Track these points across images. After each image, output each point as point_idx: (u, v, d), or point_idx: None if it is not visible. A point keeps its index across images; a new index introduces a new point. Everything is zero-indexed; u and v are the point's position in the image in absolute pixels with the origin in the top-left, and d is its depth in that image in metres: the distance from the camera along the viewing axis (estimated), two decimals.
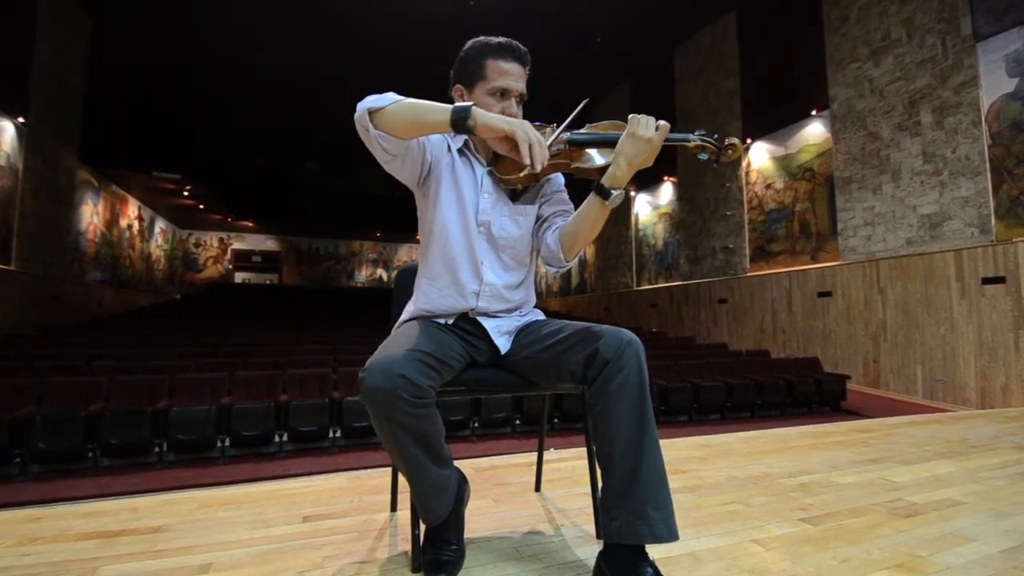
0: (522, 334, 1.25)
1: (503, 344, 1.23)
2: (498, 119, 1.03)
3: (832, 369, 6.80)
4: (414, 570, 1.11)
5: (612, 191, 1.12)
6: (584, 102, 1.21)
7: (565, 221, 1.26)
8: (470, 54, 1.21)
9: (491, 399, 4.80)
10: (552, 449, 2.28)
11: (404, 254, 22.01)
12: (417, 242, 1.32)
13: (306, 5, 8.78)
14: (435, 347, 1.08)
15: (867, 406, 5.84)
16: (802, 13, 7.83)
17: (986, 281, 5.45)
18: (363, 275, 21.75)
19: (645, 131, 1.08)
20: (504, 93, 1.19)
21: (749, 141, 8.78)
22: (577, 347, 1.11)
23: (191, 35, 9.54)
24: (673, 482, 1.09)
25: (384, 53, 10.15)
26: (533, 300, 1.36)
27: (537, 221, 1.31)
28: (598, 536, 1.22)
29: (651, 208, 11.49)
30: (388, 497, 1.52)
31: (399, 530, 1.35)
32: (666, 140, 1.12)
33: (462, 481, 1.21)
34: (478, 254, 1.21)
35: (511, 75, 1.19)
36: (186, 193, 13.55)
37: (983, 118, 5.58)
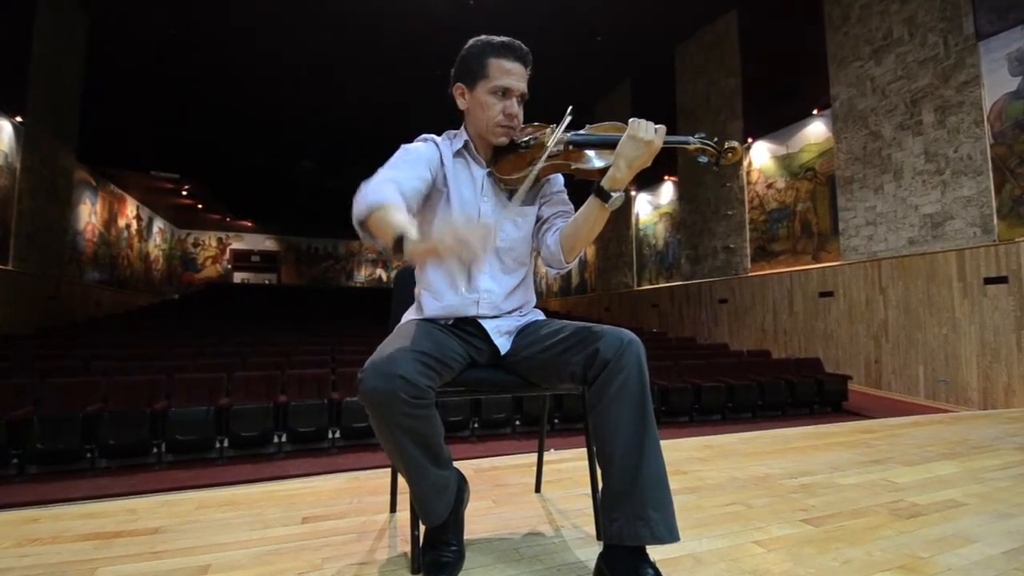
0: (522, 334, 1.25)
1: (503, 344, 1.22)
2: (419, 248, 0.92)
3: (834, 370, 6.78)
4: (413, 571, 1.11)
5: (612, 193, 1.12)
6: (569, 111, 1.19)
7: (565, 222, 1.26)
8: (471, 53, 1.21)
9: (491, 400, 4.79)
10: (552, 450, 2.28)
11: None
12: None
13: (306, 5, 8.78)
14: (434, 347, 1.08)
15: (869, 407, 5.82)
16: (803, 12, 7.82)
17: (988, 281, 5.44)
18: (362, 275, 21.76)
19: (645, 134, 1.08)
20: (505, 92, 1.19)
21: (750, 140, 8.76)
22: (577, 347, 1.10)
23: (190, 34, 9.54)
24: (674, 483, 1.08)
25: (384, 53, 10.14)
26: (533, 300, 1.35)
27: (537, 222, 1.31)
28: (598, 537, 1.21)
29: (652, 208, 11.47)
30: (387, 498, 1.52)
31: (398, 531, 1.34)
32: (666, 142, 1.13)
33: (462, 482, 1.20)
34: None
35: (513, 74, 1.19)
36: (184, 192, 13.57)
37: (985, 117, 5.56)
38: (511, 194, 1.25)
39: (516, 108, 1.21)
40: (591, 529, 1.32)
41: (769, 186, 8.44)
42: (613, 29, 9.71)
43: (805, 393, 5.90)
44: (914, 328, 6.15)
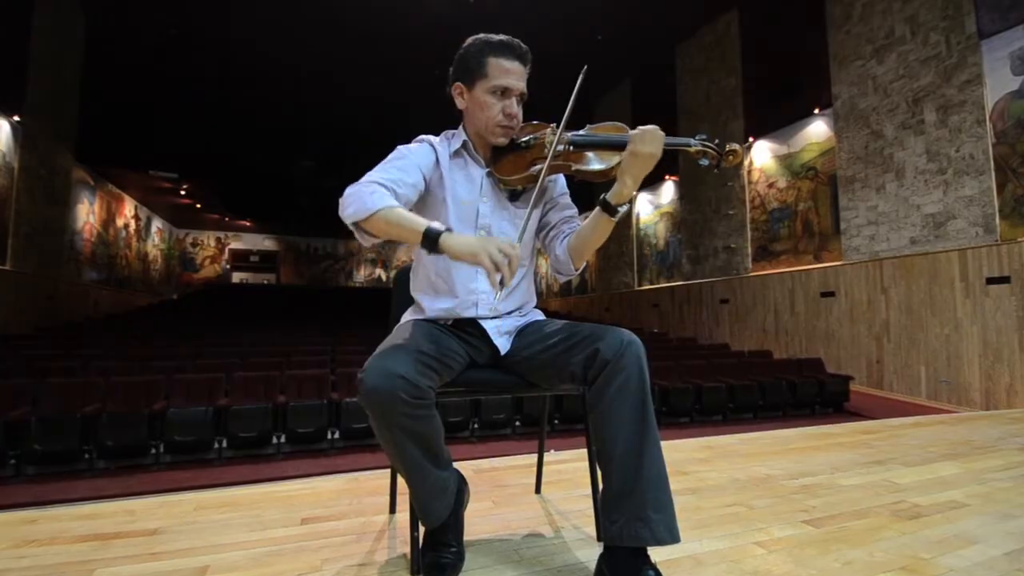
0: (522, 334, 1.24)
1: (503, 344, 1.22)
2: (464, 247, 0.96)
3: (835, 370, 6.77)
4: (413, 573, 1.10)
5: (619, 208, 1.14)
6: (583, 72, 1.17)
7: (572, 228, 1.28)
8: (470, 52, 1.20)
9: (491, 400, 4.78)
10: (552, 451, 2.27)
11: (403, 253, 22.00)
12: None
13: (305, 4, 8.78)
14: (434, 347, 1.08)
15: (870, 407, 5.81)
16: (804, 11, 7.80)
17: (990, 281, 5.42)
18: (362, 275, 21.75)
19: (647, 146, 1.09)
20: (505, 92, 1.18)
21: (751, 140, 8.75)
22: (577, 348, 1.10)
23: (189, 33, 9.53)
24: (674, 484, 1.08)
25: (384, 53, 10.14)
26: (533, 300, 1.35)
27: (543, 228, 1.31)
28: (599, 538, 1.21)
29: (652, 207, 11.46)
30: (387, 499, 1.51)
31: (398, 532, 1.34)
32: (667, 146, 1.12)
33: (461, 483, 1.20)
34: None
35: (512, 73, 1.18)
36: (183, 192, 13.56)
37: (987, 116, 5.54)
38: (511, 194, 1.25)
39: (515, 108, 1.20)
40: (591, 530, 1.31)
41: (770, 185, 8.42)
42: (614, 28, 9.70)
43: (806, 394, 5.89)
44: (916, 328, 6.13)
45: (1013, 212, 5.32)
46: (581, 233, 1.23)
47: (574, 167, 1.19)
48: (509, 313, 1.26)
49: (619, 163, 1.13)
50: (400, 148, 1.21)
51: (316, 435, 4.43)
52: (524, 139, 1.23)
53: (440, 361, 1.07)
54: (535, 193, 1.14)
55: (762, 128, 8.59)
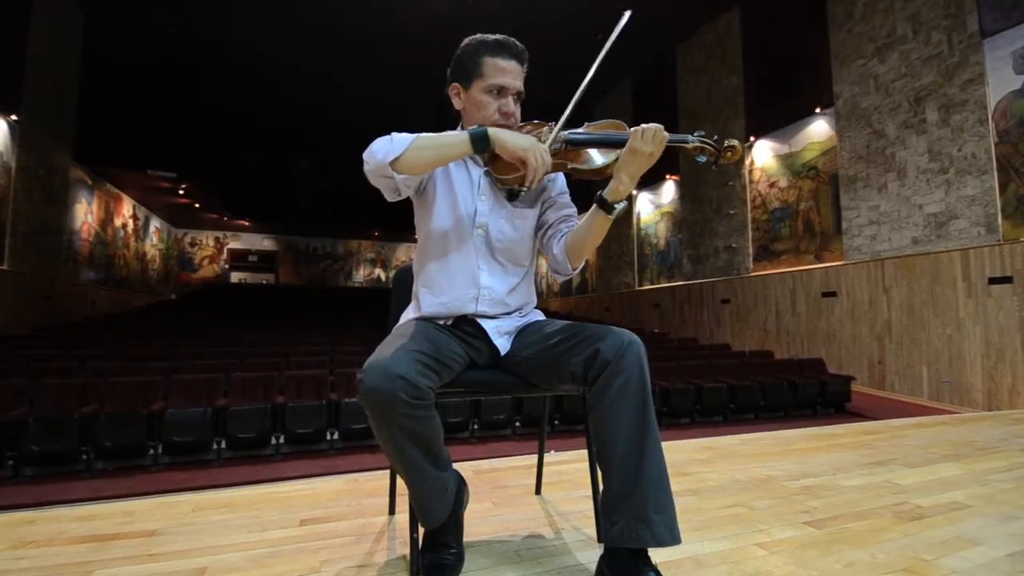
0: (522, 335, 1.24)
1: (503, 345, 1.22)
2: (515, 143, 1.07)
3: (837, 370, 6.76)
4: (413, 574, 1.09)
5: (615, 205, 1.14)
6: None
7: (569, 227, 1.27)
8: (467, 52, 1.20)
9: (491, 401, 4.77)
10: (553, 451, 2.27)
11: (403, 253, 22.00)
12: (416, 241, 1.32)
13: (305, 3, 8.78)
14: (434, 348, 1.07)
15: (872, 408, 5.80)
16: (806, 9, 7.79)
17: (993, 281, 5.41)
18: (361, 275, 21.72)
19: (647, 145, 1.08)
20: (501, 90, 1.18)
21: (752, 139, 8.74)
22: (578, 348, 1.09)
23: (187, 32, 9.53)
24: (675, 485, 1.07)
25: (383, 52, 10.14)
26: (534, 300, 1.35)
27: (541, 226, 1.30)
28: (599, 539, 1.20)
29: (653, 207, 11.45)
30: (386, 500, 1.51)
31: (397, 533, 1.33)
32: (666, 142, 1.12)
33: (461, 484, 1.20)
34: (475, 258, 1.21)
35: (508, 73, 1.18)
36: (181, 192, 13.53)
37: (990, 116, 5.53)
38: (508, 193, 1.25)
39: (512, 106, 1.20)
40: (592, 531, 1.31)
41: (771, 185, 8.41)
42: (614, 27, 9.69)
43: (808, 394, 5.88)
44: (918, 328, 6.12)
45: (1015, 212, 5.30)
46: (578, 232, 1.23)
47: (571, 165, 1.18)
48: (509, 313, 1.26)
49: (616, 160, 1.13)
50: None
51: (315, 436, 4.42)
52: None
53: (440, 361, 1.06)
54: (532, 187, 1.13)
55: (763, 127, 8.58)
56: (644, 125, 1.09)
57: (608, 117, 1.24)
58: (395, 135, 1.09)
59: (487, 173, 1.24)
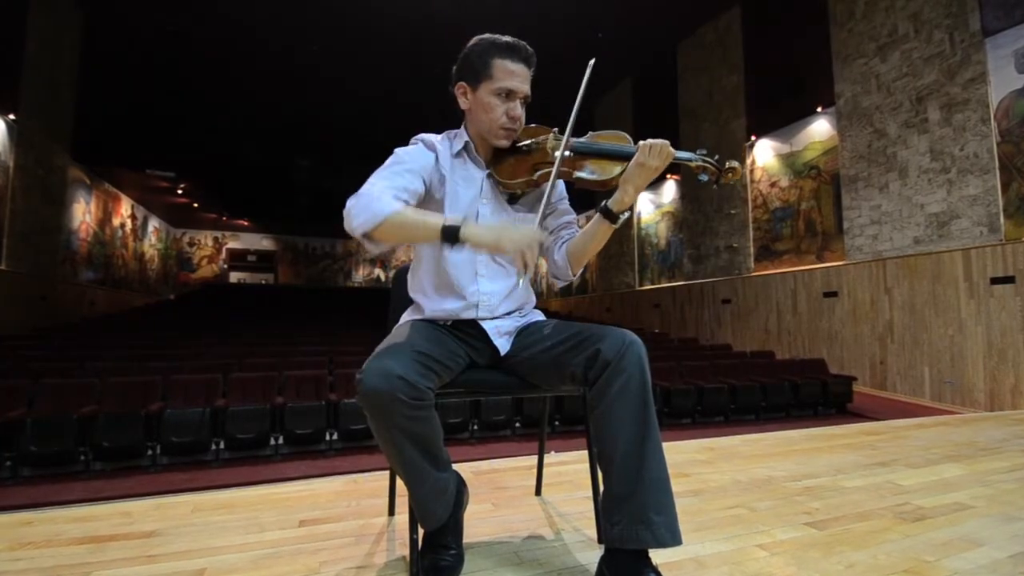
0: (522, 335, 1.24)
1: (503, 345, 1.21)
2: (486, 237, 0.99)
3: (838, 371, 6.75)
4: (412, 575, 1.09)
5: (620, 216, 1.16)
6: (591, 64, 1.16)
7: (571, 233, 1.28)
8: (476, 52, 1.18)
9: (491, 401, 4.77)
10: (553, 452, 2.26)
11: (402, 253, 21.95)
12: None
13: (303, 2, 8.77)
14: (434, 348, 1.07)
15: (874, 408, 5.79)
16: (807, 8, 7.78)
17: (995, 281, 5.39)
18: (360, 275, 21.71)
19: (654, 160, 1.11)
20: (509, 94, 1.17)
21: (753, 138, 8.73)
22: (578, 348, 1.09)
23: (186, 31, 9.52)
24: (676, 485, 1.07)
25: (383, 51, 10.14)
26: (533, 301, 1.35)
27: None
28: (600, 541, 1.20)
29: (654, 207, 11.44)
30: (386, 501, 1.50)
31: (397, 534, 1.33)
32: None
33: (460, 484, 1.19)
34: (476, 263, 1.21)
35: (517, 76, 1.17)
36: (180, 191, 13.55)
37: (992, 115, 5.52)
38: (510, 197, 1.25)
39: (519, 110, 1.19)
40: (592, 532, 1.31)
41: (772, 185, 8.40)
42: (614, 27, 9.68)
43: (809, 394, 5.87)
44: (920, 329, 6.11)
45: (1018, 211, 5.29)
46: (580, 239, 1.24)
47: (575, 175, 1.19)
48: (508, 314, 1.25)
49: (621, 173, 1.14)
50: (398, 152, 1.19)
51: (314, 436, 4.42)
52: (526, 143, 1.23)
53: (439, 362, 1.06)
54: (543, 204, 1.12)
55: (764, 127, 8.57)
56: (651, 140, 1.11)
57: (608, 117, 1.24)
58: (375, 196, 1.03)
59: (489, 176, 1.24)
